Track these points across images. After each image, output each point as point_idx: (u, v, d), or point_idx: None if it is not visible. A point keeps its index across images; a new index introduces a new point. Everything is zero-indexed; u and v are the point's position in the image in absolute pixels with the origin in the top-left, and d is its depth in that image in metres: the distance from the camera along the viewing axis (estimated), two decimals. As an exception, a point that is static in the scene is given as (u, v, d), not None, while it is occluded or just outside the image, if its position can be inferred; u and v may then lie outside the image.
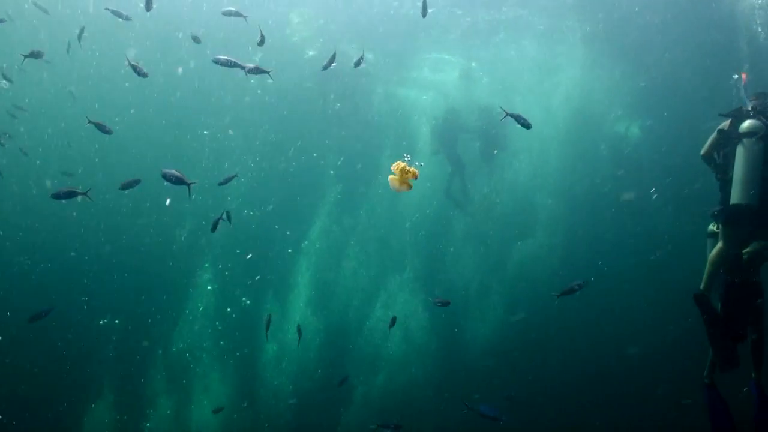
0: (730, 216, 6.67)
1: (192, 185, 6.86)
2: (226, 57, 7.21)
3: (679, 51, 15.40)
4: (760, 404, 6.50)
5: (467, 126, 17.01)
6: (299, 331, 10.52)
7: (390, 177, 3.68)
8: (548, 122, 19.64)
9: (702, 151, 7.06)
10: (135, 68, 7.66)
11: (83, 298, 17.79)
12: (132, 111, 17.66)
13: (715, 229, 7.12)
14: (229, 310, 18.85)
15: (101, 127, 7.74)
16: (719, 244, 6.78)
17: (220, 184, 9.23)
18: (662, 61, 15.90)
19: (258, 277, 18.35)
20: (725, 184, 6.75)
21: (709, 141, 7.01)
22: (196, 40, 9.25)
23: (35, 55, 8.89)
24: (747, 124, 6.47)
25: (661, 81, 16.71)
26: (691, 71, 15.78)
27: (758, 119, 6.50)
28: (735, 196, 6.33)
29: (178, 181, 6.78)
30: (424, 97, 19.95)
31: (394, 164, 3.65)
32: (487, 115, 16.91)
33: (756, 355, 6.75)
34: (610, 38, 15.77)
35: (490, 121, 16.85)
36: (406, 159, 3.65)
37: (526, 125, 5.93)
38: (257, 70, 7.48)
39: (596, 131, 19.77)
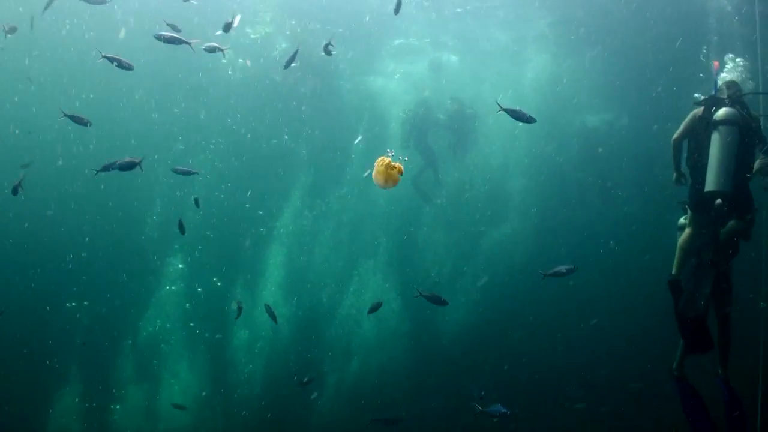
0: (703, 202, 6.62)
1: (140, 162, 6.66)
2: (169, 33, 6.78)
3: (648, 36, 15.35)
4: (730, 400, 6.48)
5: (437, 119, 16.93)
6: (270, 312, 10.04)
7: (374, 173, 3.53)
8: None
9: (674, 136, 7.03)
10: (117, 61, 6.84)
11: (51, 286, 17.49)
12: (92, 96, 17.19)
13: (685, 220, 7.11)
14: (199, 290, 18.57)
15: (77, 119, 7.21)
16: (688, 230, 6.80)
17: (175, 171, 8.66)
18: (630, 47, 15.93)
19: (224, 273, 18.20)
20: (696, 171, 6.74)
21: (682, 127, 6.98)
22: (174, 28, 8.67)
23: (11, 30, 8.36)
24: (723, 111, 6.43)
25: (630, 67, 16.76)
26: (660, 56, 15.81)
27: (734, 108, 6.47)
28: (710, 183, 6.27)
29: (128, 166, 6.59)
30: (393, 86, 19.68)
31: (378, 159, 3.51)
32: (458, 108, 16.85)
33: (723, 350, 6.74)
34: (577, 25, 15.64)
35: (460, 113, 16.80)
36: (389, 154, 3.50)
37: (529, 120, 5.69)
38: (213, 48, 7.24)
39: (566, 120, 19.71)
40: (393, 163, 3.47)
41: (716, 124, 6.41)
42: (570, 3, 14.77)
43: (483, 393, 9.88)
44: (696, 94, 7.02)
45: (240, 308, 10.22)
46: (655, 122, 16.63)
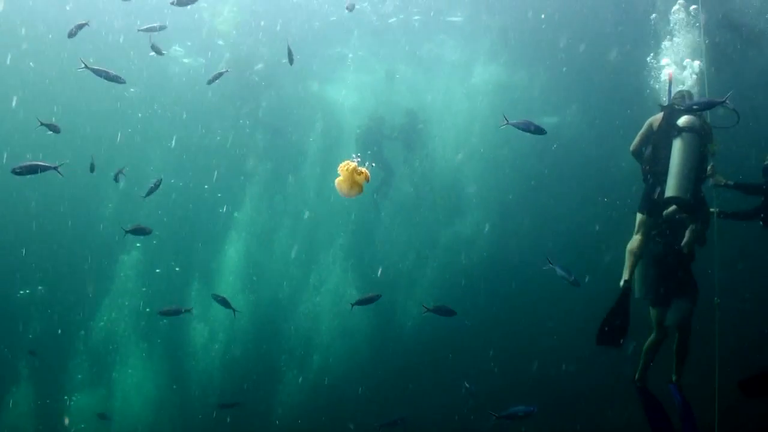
0: (660, 207, 6.72)
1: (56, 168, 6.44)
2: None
3: (597, 40, 15.45)
4: (684, 407, 6.55)
5: (390, 134, 16.84)
6: (222, 301, 9.56)
7: (337, 180, 3.27)
8: (472, 118, 19.58)
9: (632, 147, 7.05)
10: (109, 75, 6.84)
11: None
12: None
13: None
14: (159, 271, 18.41)
15: (52, 128, 7.39)
16: (638, 236, 6.77)
17: (146, 196, 8.52)
18: (578, 52, 15.97)
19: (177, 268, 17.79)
20: (654, 176, 6.73)
21: (638, 136, 7.00)
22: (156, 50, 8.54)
23: None
24: (686, 119, 6.45)
25: (580, 71, 16.83)
26: (609, 60, 15.83)
27: (695, 115, 6.50)
28: (671, 190, 6.28)
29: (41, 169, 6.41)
30: (344, 93, 19.39)
31: (343, 164, 3.25)
32: (409, 121, 16.83)
33: (679, 358, 6.84)
34: (526, 30, 15.64)
35: (411, 127, 16.79)
36: (355, 159, 3.25)
37: (539, 131, 5.70)
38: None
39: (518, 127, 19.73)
40: (360, 169, 3.23)
41: (678, 131, 6.43)
42: (517, 7, 14.80)
43: (470, 386, 9.63)
44: (663, 100, 7.06)
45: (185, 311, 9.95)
46: (601, 122, 16.92)
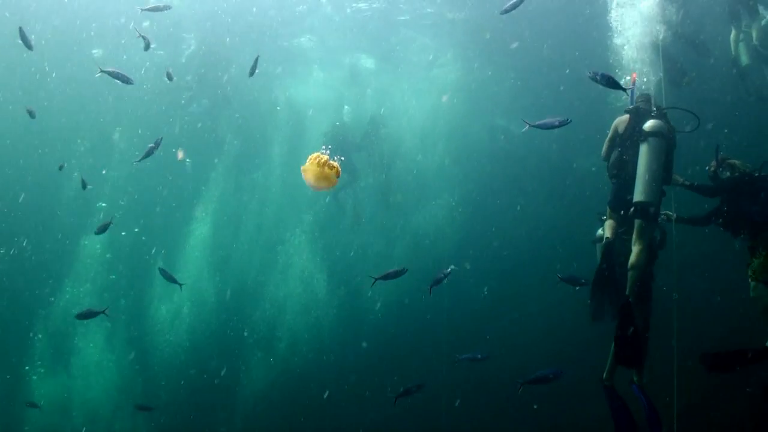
0: (626, 210, 6.62)
1: None
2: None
3: (555, 42, 15.35)
4: (648, 408, 6.41)
5: (355, 143, 16.65)
6: (168, 276, 9.55)
7: (304, 168, 3.12)
8: (436, 118, 19.48)
9: (602, 153, 7.02)
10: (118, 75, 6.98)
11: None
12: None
13: (602, 232, 7.09)
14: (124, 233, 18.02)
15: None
16: (608, 222, 6.81)
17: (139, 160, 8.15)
18: (538, 53, 15.88)
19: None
20: (620, 179, 6.72)
21: (607, 141, 6.95)
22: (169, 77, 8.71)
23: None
24: (653, 123, 6.43)
25: (539, 73, 16.74)
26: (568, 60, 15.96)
27: (660, 120, 6.50)
28: (640, 194, 6.28)
29: None
30: (314, 93, 19.04)
31: (313, 155, 3.13)
32: (373, 129, 16.72)
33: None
34: (487, 30, 15.37)
35: (375, 134, 16.69)
36: (325, 151, 3.15)
37: (563, 123, 5.65)
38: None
39: (481, 126, 19.58)
40: (331, 162, 3.11)
41: (646, 136, 6.39)
42: (475, 5, 14.55)
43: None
44: (630, 106, 6.94)
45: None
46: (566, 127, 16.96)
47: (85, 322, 16.83)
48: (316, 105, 18.49)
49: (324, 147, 3.21)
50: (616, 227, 6.78)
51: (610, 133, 6.92)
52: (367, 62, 17.89)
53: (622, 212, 6.75)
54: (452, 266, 7.10)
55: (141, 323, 17.47)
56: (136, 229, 18.28)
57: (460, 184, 20.14)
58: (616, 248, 6.73)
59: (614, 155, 6.85)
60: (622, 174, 6.66)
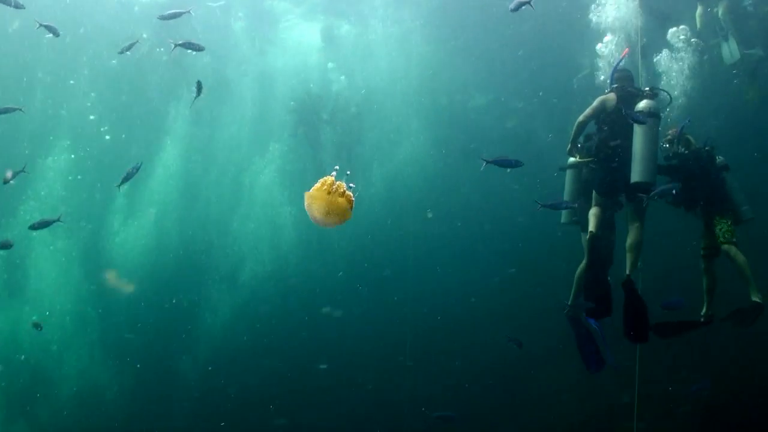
0: (617, 190, 6.67)
1: None
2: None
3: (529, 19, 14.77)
4: (598, 333, 6.86)
5: (322, 118, 15.65)
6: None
7: (310, 195, 2.36)
8: (406, 93, 18.46)
9: (580, 119, 6.79)
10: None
11: None
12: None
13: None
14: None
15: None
16: (594, 209, 6.75)
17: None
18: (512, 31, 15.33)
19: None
20: (612, 159, 6.59)
21: (590, 110, 6.74)
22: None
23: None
24: (649, 104, 6.34)
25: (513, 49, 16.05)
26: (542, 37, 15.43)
27: (653, 100, 6.47)
28: (639, 174, 6.20)
29: None
30: (284, 61, 17.89)
31: (321, 182, 2.37)
32: (343, 106, 15.75)
33: (580, 282, 6.97)
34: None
35: (345, 112, 15.80)
36: (336, 173, 2.38)
37: (515, 164, 5.84)
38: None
39: (454, 101, 18.78)
40: (343, 189, 2.37)
41: (645, 117, 6.31)
42: None
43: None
44: (610, 81, 6.92)
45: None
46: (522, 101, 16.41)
47: (42, 253, 16.22)
48: (285, 70, 17.26)
49: (336, 167, 2.46)
50: (601, 216, 6.64)
51: (594, 106, 6.72)
52: (342, 28, 16.81)
53: (613, 197, 6.76)
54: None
55: (101, 255, 16.78)
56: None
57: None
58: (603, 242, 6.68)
59: (600, 134, 6.71)
60: (613, 156, 6.54)
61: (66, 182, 17.12)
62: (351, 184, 2.44)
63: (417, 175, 18.94)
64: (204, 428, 14.80)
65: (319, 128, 16.24)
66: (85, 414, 15.01)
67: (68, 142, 17.01)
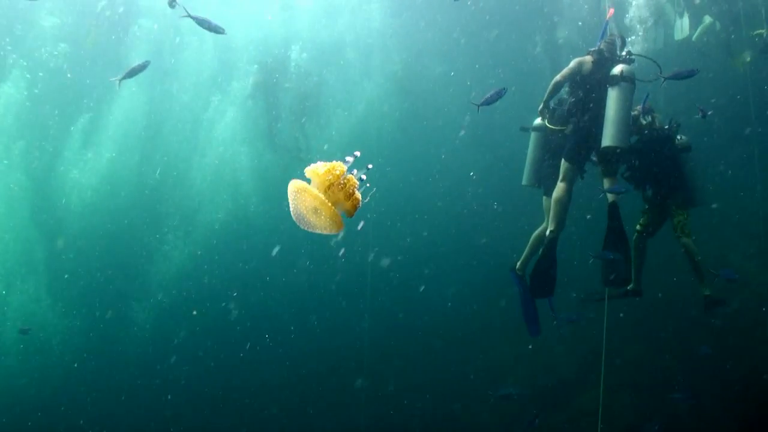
0: (601, 156, 6.38)
1: None
2: None
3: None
4: (524, 294, 6.82)
5: (284, 87, 15.12)
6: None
7: (297, 187, 1.67)
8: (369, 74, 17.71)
9: (557, 78, 6.45)
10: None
11: None
12: None
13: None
14: None
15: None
16: (563, 184, 6.37)
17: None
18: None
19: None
20: (587, 123, 6.32)
21: (567, 71, 6.44)
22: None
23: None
24: (626, 68, 6.06)
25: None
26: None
27: (629, 65, 6.16)
28: (609, 139, 5.99)
29: None
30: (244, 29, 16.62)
31: (327, 169, 1.66)
32: (303, 74, 15.18)
33: (534, 247, 6.90)
34: None
35: (308, 81, 15.05)
36: (350, 161, 1.70)
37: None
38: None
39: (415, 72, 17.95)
40: (354, 188, 1.68)
41: (618, 80, 6.04)
42: None
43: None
44: (598, 43, 6.52)
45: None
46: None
47: None
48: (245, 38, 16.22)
49: (347, 158, 1.72)
50: (568, 203, 6.38)
51: (571, 67, 6.43)
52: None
53: (582, 164, 6.48)
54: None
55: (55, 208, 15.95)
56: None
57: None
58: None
59: (574, 97, 6.41)
60: (584, 119, 6.28)
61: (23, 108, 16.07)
62: (362, 176, 1.74)
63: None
64: (156, 370, 14.51)
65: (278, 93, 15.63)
66: (31, 354, 14.47)
67: (28, 75, 15.87)
